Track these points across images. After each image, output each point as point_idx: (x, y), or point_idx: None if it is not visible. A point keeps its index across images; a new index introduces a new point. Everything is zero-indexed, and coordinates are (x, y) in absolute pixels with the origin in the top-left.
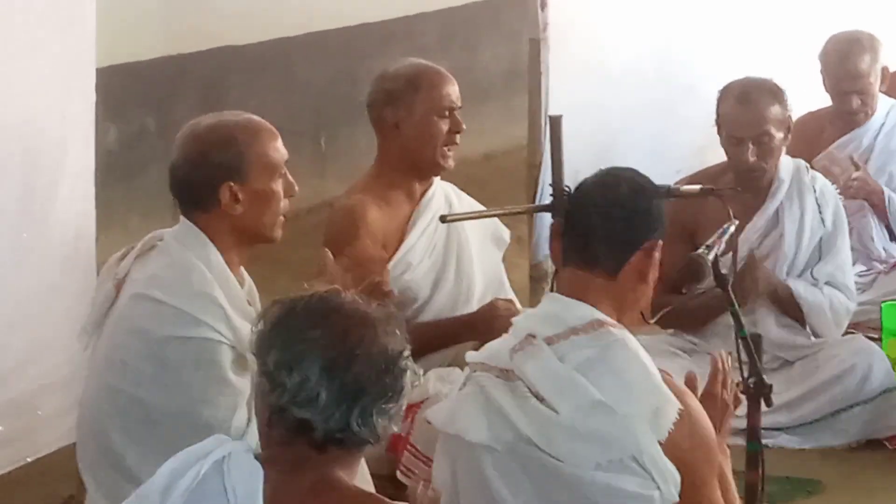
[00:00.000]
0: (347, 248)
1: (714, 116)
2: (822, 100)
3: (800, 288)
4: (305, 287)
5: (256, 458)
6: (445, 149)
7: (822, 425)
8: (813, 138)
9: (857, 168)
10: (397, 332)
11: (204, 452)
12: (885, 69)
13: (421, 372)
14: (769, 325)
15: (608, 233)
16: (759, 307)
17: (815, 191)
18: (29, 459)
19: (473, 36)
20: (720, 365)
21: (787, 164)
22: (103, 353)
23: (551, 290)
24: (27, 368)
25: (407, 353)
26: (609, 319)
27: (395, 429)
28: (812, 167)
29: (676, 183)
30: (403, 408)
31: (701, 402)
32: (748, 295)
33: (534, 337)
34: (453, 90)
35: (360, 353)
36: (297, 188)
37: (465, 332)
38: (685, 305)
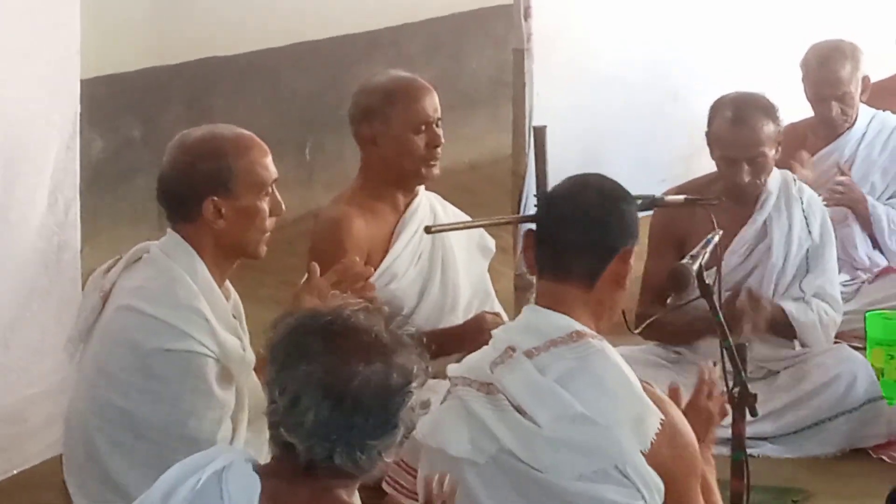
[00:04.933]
0: (333, 261)
1: (705, 129)
2: (804, 110)
3: (792, 309)
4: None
5: (255, 469)
6: (426, 162)
7: (807, 434)
8: (795, 149)
9: (842, 174)
10: (407, 362)
11: (205, 462)
12: (865, 78)
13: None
14: (753, 344)
15: (582, 244)
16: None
17: (802, 202)
18: (16, 471)
19: (459, 45)
20: (706, 375)
21: (775, 176)
22: (90, 364)
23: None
24: (13, 378)
25: (414, 384)
26: (588, 330)
27: (388, 460)
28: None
29: (665, 192)
30: (396, 441)
31: (686, 412)
32: (755, 332)
33: (513, 350)
34: (431, 103)
35: (356, 386)
36: (284, 208)
37: (453, 345)
38: (672, 323)
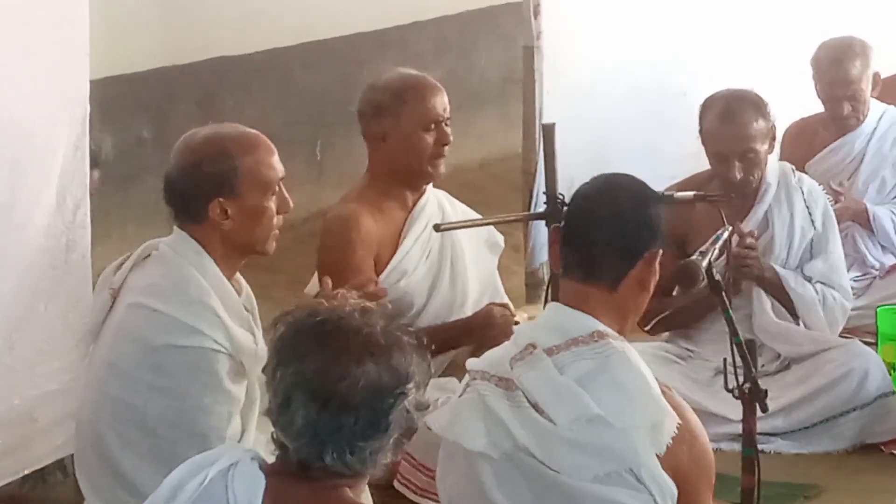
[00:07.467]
0: (342, 259)
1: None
2: (812, 105)
3: (788, 277)
4: (304, 292)
5: (261, 467)
6: (433, 160)
7: (818, 430)
8: (806, 144)
9: (838, 195)
10: (401, 363)
11: (212, 460)
12: (876, 75)
13: (431, 400)
14: (766, 315)
15: (609, 246)
16: (755, 296)
17: (802, 192)
18: (26, 471)
19: (468, 44)
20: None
21: (773, 168)
22: (100, 362)
23: (546, 300)
24: (23, 378)
25: (409, 385)
26: (610, 331)
27: (383, 462)
28: (806, 172)
29: (666, 189)
30: (388, 443)
31: None
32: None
33: (534, 346)
34: (441, 102)
35: (344, 387)
36: (291, 205)
37: (462, 338)
38: (676, 305)
